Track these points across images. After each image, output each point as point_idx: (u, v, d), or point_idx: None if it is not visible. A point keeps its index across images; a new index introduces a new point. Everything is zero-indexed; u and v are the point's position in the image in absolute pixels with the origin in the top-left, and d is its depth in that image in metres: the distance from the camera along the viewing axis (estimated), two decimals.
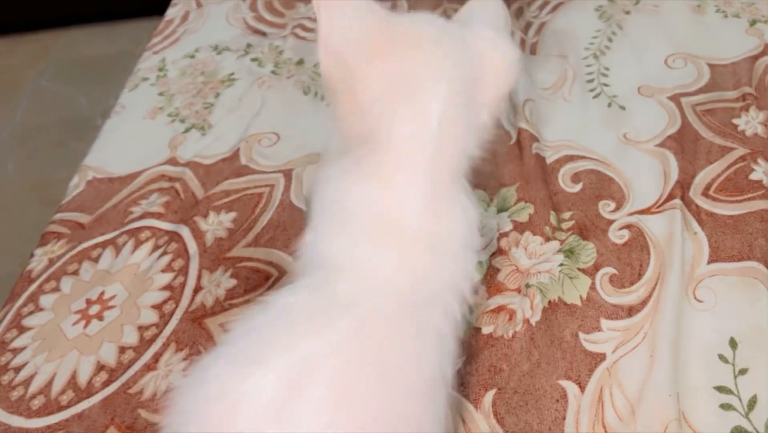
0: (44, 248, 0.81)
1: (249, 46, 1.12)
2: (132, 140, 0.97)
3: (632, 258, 0.70)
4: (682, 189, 0.75)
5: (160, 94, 1.05)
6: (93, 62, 2.39)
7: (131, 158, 0.93)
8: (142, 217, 0.82)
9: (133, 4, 2.50)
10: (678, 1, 1.05)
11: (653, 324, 0.63)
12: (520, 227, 0.74)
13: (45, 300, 0.74)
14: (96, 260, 0.78)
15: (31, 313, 0.73)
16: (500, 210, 0.76)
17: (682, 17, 1.03)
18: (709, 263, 0.68)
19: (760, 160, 0.77)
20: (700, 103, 0.87)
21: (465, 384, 0.61)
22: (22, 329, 0.72)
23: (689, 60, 0.94)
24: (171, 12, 1.26)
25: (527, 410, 0.59)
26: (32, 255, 0.80)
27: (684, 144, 0.81)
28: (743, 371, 0.59)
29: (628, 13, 1.05)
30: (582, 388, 0.60)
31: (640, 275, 0.68)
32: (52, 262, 0.79)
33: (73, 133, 2.10)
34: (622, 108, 0.88)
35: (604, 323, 0.64)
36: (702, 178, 0.77)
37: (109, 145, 0.97)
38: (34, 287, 0.76)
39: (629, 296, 0.66)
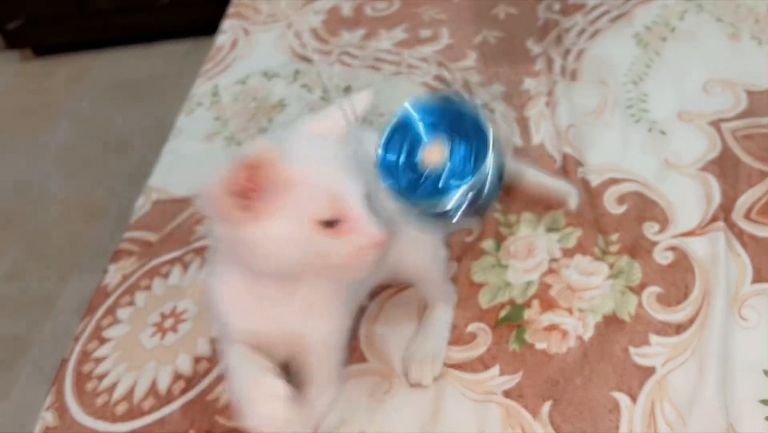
0: (117, 264, 0.86)
1: (297, 72, 1.18)
2: (191, 163, 1.03)
3: (677, 279, 0.73)
4: (724, 212, 0.79)
5: (216, 118, 1.11)
6: (129, 83, 2.47)
7: (192, 180, 0.98)
8: (206, 236, 0.87)
9: (167, 25, 2.58)
10: (714, 29, 1.09)
11: (701, 341, 0.66)
12: (569, 252, 0.78)
13: (122, 313, 0.80)
14: (166, 276, 0.84)
15: (110, 325, 0.79)
16: (549, 229, 0.80)
17: (718, 44, 1.06)
18: (752, 283, 0.71)
19: None
20: (739, 129, 0.90)
21: (523, 395, 0.65)
22: (103, 340, 0.77)
23: (726, 86, 0.97)
24: (221, 39, 1.33)
25: (582, 420, 0.62)
26: (106, 271, 0.86)
27: (725, 168, 0.84)
28: None
29: (664, 39, 1.09)
30: (634, 399, 0.63)
31: (686, 295, 0.71)
32: (125, 278, 0.84)
33: (111, 153, 2.17)
34: (663, 133, 0.92)
35: (653, 338, 0.68)
36: (743, 201, 0.80)
37: (170, 167, 1.03)
38: (110, 301, 0.81)
39: (677, 314, 0.70)
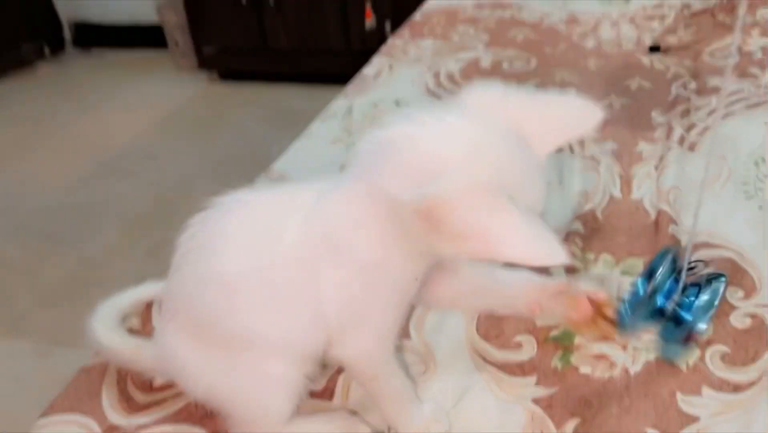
0: None
1: (424, 103, 1.27)
2: (313, 157, 1.14)
3: (749, 344, 0.69)
4: None
5: (343, 129, 1.23)
6: (292, 114, 2.73)
7: (309, 170, 1.10)
8: None
9: (334, 71, 2.84)
10: None
11: (755, 405, 0.63)
12: None
13: None
14: None
15: None
16: (624, 273, 0.80)
17: None
18: None
19: None
20: None
21: (552, 406, 0.64)
22: None
23: None
24: (367, 70, 1.47)
25: None
26: None
27: None
28: None
29: None
30: None
31: (753, 360, 0.68)
32: None
33: (258, 167, 2.40)
34: None
35: (706, 390, 0.65)
36: None
37: (295, 156, 1.15)
38: None
39: (739, 375, 0.66)
